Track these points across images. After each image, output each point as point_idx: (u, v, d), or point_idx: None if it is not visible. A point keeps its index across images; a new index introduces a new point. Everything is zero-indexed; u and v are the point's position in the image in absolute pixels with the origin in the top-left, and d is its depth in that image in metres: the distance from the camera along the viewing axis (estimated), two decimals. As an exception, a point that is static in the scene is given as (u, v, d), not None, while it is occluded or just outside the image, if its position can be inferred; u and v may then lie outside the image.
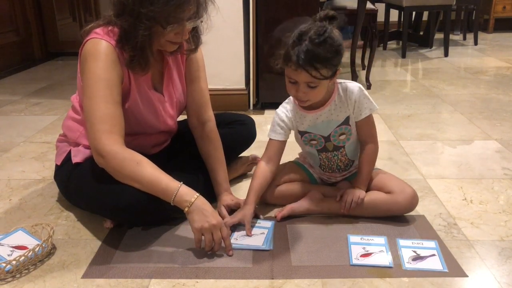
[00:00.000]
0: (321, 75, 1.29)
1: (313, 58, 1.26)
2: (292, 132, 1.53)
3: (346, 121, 1.46)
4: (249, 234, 1.37)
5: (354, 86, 1.44)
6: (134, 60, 1.30)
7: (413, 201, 1.45)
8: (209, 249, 1.29)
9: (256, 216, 1.48)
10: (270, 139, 1.49)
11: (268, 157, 1.48)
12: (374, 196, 1.48)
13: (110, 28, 1.31)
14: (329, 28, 1.28)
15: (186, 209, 1.27)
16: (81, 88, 1.37)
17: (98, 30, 1.32)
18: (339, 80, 1.44)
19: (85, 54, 1.31)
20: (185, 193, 1.27)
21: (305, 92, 1.33)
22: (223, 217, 1.43)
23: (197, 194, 1.29)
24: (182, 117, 1.63)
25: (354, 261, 1.27)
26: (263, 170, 1.47)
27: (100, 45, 1.29)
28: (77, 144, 1.48)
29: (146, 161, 1.28)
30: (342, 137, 1.48)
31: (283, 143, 1.49)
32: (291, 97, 1.47)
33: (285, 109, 1.48)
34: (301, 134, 1.50)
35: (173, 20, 1.26)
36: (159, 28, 1.27)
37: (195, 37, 1.43)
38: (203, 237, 1.28)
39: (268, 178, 1.48)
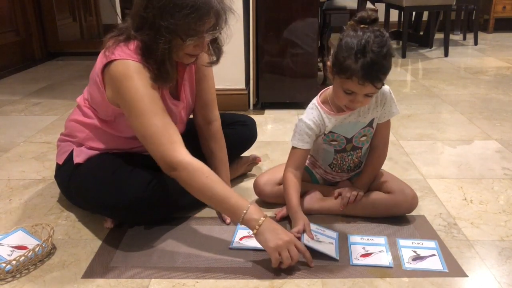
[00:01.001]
0: (382, 85, 1.29)
1: (379, 71, 1.23)
2: None
3: (371, 123, 1.44)
4: (311, 237, 1.31)
5: (385, 87, 1.42)
6: (158, 74, 1.29)
7: (413, 202, 1.45)
8: (287, 266, 1.22)
9: None
10: (296, 148, 1.43)
11: (296, 165, 1.43)
12: (373, 196, 1.48)
13: (132, 45, 1.28)
14: (386, 35, 1.24)
15: (255, 230, 1.22)
16: (101, 102, 1.36)
17: (122, 48, 1.29)
18: None
19: (118, 76, 1.27)
20: (255, 213, 1.23)
21: (362, 101, 1.30)
22: (224, 218, 1.45)
23: (265, 214, 1.25)
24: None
25: (354, 261, 1.27)
26: (294, 180, 1.41)
27: (130, 66, 1.26)
28: (80, 144, 1.47)
29: (214, 174, 1.26)
30: (363, 138, 1.47)
31: (308, 151, 1.46)
32: (314, 102, 1.43)
33: (312, 115, 1.41)
34: (324, 134, 1.47)
35: (193, 33, 1.24)
36: (179, 40, 1.26)
37: (217, 48, 1.42)
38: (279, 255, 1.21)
39: (299, 187, 1.43)
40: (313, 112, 1.42)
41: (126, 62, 1.27)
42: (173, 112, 1.43)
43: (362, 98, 1.29)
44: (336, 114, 1.41)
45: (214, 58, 1.45)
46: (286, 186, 1.42)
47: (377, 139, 1.49)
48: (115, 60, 1.27)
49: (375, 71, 1.22)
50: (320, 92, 1.46)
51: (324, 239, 1.34)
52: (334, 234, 1.38)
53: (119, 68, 1.27)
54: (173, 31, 1.23)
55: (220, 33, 1.33)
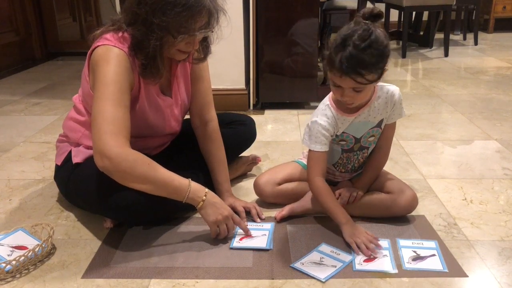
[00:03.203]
0: (366, 80, 1.24)
1: (357, 64, 1.21)
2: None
3: (379, 124, 1.44)
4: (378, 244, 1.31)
5: (395, 89, 1.42)
6: (147, 69, 1.30)
7: (413, 203, 1.45)
8: (223, 237, 1.37)
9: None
10: (315, 151, 1.39)
11: (321, 171, 1.40)
12: (374, 196, 1.48)
13: (120, 34, 1.30)
14: (374, 30, 1.22)
15: (199, 205, 1.31)
16: (88, 93, 1.37)
17: (108, 35, 1.31)
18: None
19: (96, 59, 1.29)
20: (197, 190, 1.32)
21: (350, 96, 1.29)
22: None
23: (206, 188, 1.33)
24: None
25: (357, 267, 1.24)
26: (325, 186, 1.40)
27: (112, 52, 1.27)
28: (78, 145, 1.48)
29: (155, 162, 1.27)
30: (371, 139, 1.46)
31: (327, 152, 1.43)
32: (327, 102, 1.41)
33: (326, 117, 1.38)
34: (336, 135, 1.45)
35: (184, 31, 1.26)
36: (170, 38, 1.27)
37: (205, 46, 1.43)
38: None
39: (332, 192, 1.42)
40: (327, 113, 1.39)
41: (110, 47, 1.28)
42: (160, 107, 1.44)
43: (350, 92, 1.28)
44: (349, 115, 1.39)
45: (202, 56, 1.46)
46: (320, 195, 1.39)
47: (382, 140, 1.49)
48: (99, 46, 1.29)
49: (352, 65, 1.21)
50: (330, 92, 1.44)
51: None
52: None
53: (99, 52, 1.29)
54: (165, 28, 1.25)
55: (212, 32, 1.34)
